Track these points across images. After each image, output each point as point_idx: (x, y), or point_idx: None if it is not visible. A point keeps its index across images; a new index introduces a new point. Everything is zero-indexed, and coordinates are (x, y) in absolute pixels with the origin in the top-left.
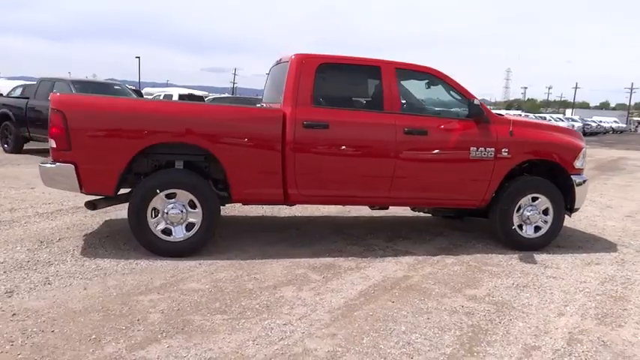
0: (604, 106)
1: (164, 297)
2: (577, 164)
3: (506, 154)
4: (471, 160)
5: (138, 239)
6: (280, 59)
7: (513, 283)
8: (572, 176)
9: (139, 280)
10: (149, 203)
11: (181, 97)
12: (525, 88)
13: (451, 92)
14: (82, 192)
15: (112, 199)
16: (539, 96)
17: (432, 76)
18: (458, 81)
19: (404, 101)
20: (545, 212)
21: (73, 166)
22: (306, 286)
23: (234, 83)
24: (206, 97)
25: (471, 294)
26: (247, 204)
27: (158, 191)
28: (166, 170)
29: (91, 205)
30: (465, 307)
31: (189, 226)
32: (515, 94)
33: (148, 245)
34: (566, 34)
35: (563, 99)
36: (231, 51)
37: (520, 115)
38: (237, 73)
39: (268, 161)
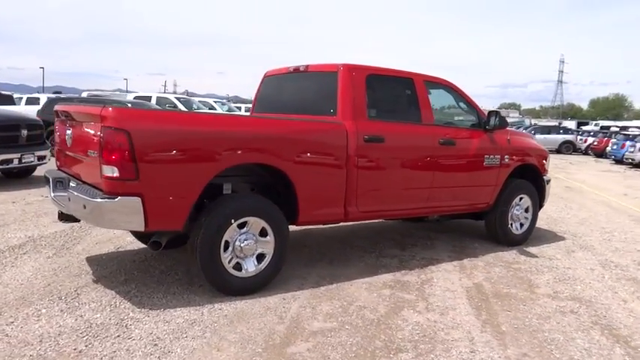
0: None
1: (313, 345)
2: (546, 166)
3: (507, 160)
4: (485, 167)
5: (209, 279)
6: (301, 67)
7: (554, 277)
8: (543, 177)
9: (254, 335)
10: (223, 235)
11: None
12: None
13: (461, 103)
14: (145, 230)
15: (173, 235)
16: None
17: (448, 88)
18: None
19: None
20: (527, 210)
21: (139, 199)
22: (415, 305)
23: None
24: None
25: (544, 293)
26: (305, 225)
27: (233, 221)
28: (238, 196)
29: (157, 245)
30: (560, 306)
31: (260, 258)
32: None
33: (222, 285)
34: (342, 35)
35: None
36: None
37: None
38: None
39: (334, 178)
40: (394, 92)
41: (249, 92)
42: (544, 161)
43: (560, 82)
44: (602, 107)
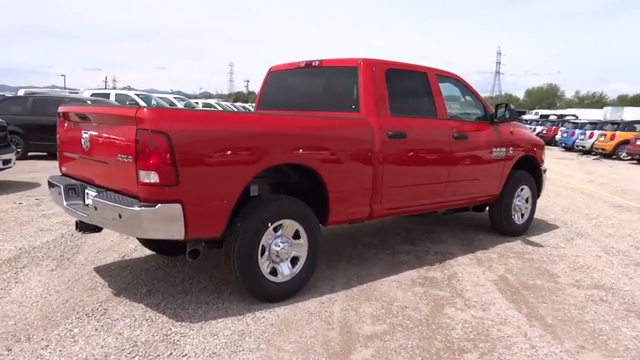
0: None
1: (375, 351)
2: (542, 156)
3: (511, 152)
4: (493, 159)
5: (247, 286)
6: (314, 62)
7: (569, 266)
8: (540, 167)
9: (310, 344)
10: (260, 240)
11: None
12: (248, 81)
13: (467, 97)
14: (184, 239)
15: (211, 243)
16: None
17: (456, 81)
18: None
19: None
20: (527, 200)
21: (180, 205)
22: (454, 302)
23: None
24: None
25: (567, 282)
26: (333, 226)
27: (269, 224)
28: (273, 198)
29: (197, 254)
30: (588, 295)
31: (293, 261)
32: (239, 87)
33: (259, 291)
34: (278, 30)
35: None
36: None
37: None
38: None
39: (361, 176)
40: (411, 87)
41: (193, 87)
42: (541, 152)
43: (497, 73)
44: (537, 97)
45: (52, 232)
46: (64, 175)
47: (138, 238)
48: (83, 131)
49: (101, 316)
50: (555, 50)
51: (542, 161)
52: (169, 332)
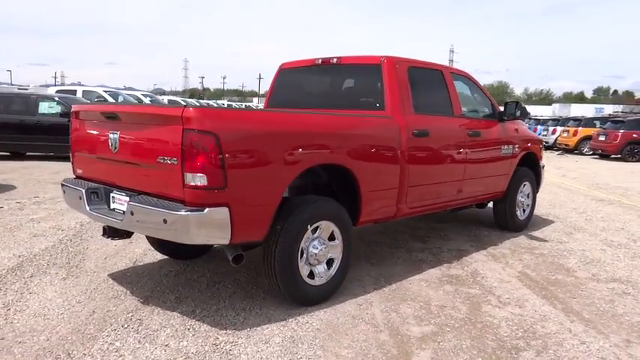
0: None
1: (434, 353)
2: (542, 153)
3: (517, 149)
4: (502, 156)
5: (287, 290)
6: (332, 60)
7: (580, 260)
8: (540, 163)
9: (366, 348)
10: (300, 242)
11: None
12: (203, 77)
13: (476, 95)
14: (229, 243)
15: (250, 248)
16: (217, 85)
17: (467, 79)
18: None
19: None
20: (528, 196)
21: (227, 209)
22: (488, 300)
23: None
24: None
25: (585, 276)
26: (362, 226)
27: (309, 226)
28: (310, 199)
29: (241, 259)
30: (610, 289)
31: (328, 263)
32: (194, 84)
33: (299, 295)
34: (233, 27)
35: (245, 88)
36: None
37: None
38: None
39: (390, 175)
40: (430, 85)
41: (146, 83)
42: (540, 148)
43: None
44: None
45: (47, 237)
46: (78, 177)
47: (150, 242)
48: (110, 131)
49: (138, 327)
50: (504, 49)
51: (541, 157)
52: (218, 342)
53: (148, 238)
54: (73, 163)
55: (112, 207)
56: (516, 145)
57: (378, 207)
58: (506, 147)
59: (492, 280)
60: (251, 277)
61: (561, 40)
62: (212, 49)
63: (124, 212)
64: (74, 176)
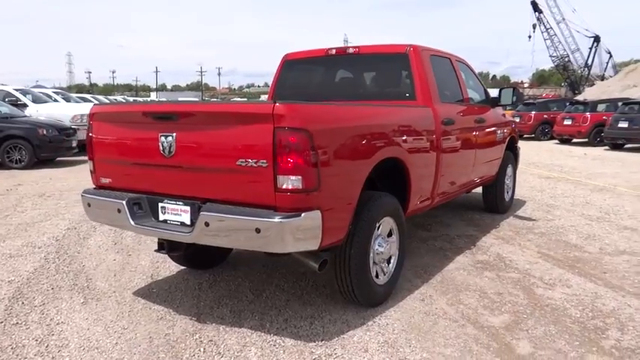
0: (176, 89)
1: (530, 342)
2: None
3: (506, 133)
4: (497, 141)
5: (361, 293)
6: (350, 49)
7: (579, 236)
8: (517, 146)
9: (465, 344)
10: (371, 242)
11: None
12: (90, 72)
13: (470, 81)
14: (318, 248)
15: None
16: (105, 80)
17: (465, 66)
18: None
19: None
20: (510, 178)
21: (319, 212)
22: (535, 283)
23: None
24: None
25: (596, 251)
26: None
27: (377, 224)
28: (374, 196)
29: (325, 264)
30: (626, 260)
31: (388, 260)
32: (81, 79)
33: (369, 296)
34: (116, 19)
35: (139, 82)
36: None
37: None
38: None
39: (430, 165)
40: (446, 73)
41: (24, 79)
42: (517, 131)
43: None
44: None
45: (26, 257)
46: (102, 187)
47: (169, 254)
48: (161, 134)
49: (218, 349)
50: (401, 37)
51: (517, 140)
52: (315, 356)
53: (162, 247)
54: (94, 172)
55: (161, 218)
56: (505, 129)
57: (420, 198)
58: (500, 131)
59: (522, 262)
60: (290, 281)
61: (444, 30)
62: (96, 42)
63: (186, 224)
64: (94, 186)
